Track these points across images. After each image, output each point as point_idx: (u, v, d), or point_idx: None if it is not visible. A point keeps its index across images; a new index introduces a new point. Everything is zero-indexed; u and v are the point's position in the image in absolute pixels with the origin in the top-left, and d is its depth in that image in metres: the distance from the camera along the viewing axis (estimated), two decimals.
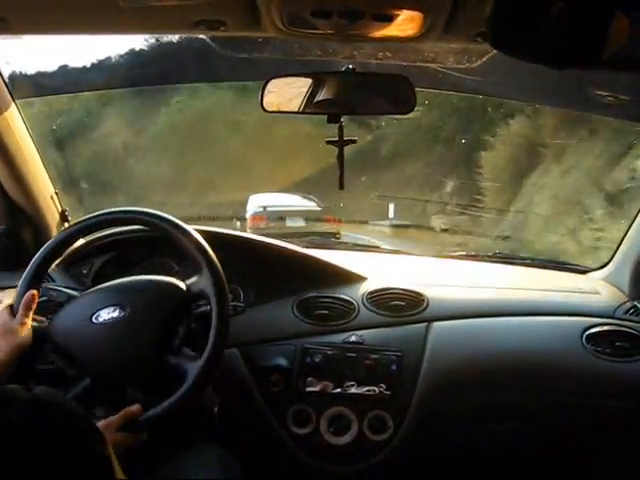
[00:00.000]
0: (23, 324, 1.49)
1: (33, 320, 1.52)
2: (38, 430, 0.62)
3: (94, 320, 1.50)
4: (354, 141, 1.72)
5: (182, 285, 1.55)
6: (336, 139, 1.71)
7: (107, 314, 1.50)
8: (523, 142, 7.98)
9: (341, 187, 1.78)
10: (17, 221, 2.07)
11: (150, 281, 1.60)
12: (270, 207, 9.72)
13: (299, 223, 9.14)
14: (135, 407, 1.44)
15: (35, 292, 1.54)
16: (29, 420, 0.62)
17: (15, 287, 1.59)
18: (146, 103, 10.45)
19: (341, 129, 1.69)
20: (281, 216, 9.21)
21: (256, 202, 10.18)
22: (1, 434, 0.60)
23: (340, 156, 1.73)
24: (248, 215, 9.14)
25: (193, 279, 1.55)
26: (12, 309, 1.53)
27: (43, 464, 0.60)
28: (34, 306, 1.54)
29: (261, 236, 2.20)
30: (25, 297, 1.53)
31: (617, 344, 2.00)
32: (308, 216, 9.50)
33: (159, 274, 1.81)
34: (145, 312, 1.52)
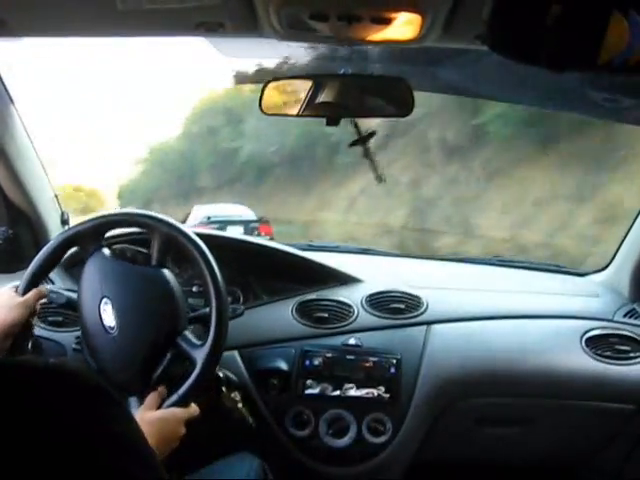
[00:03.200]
0: (24, 300, 1.52)
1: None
2: (50, 402, 0.60)
3: (108, 330, 1.50)
4: (374, 133, 1.73)
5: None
6: (357, 139, 1.72)
7: (110, 315, 1.50)
8: None
9: (380, 180, 1.81)
10: (17, 223, 2.07)
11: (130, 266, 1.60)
12: (213, 217, 10.91)
13: (239, 231, 10.15)
14: (160, 389, 1.45)
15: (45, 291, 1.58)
16: (41, 391, 0.61)
17: None
18: None
19: (357, 127, 1.71)
20: (222, 226, 9.94)
21: (200, 213, 11.59)
22: (10, 407, 0.58)
23: (367, 152, 1.75)
24: (194, 224, 10.17)
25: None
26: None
27: (55, 439, 0.59)
28: (40, 300, 1.57)
29: (261, 240, 2.20)
30: (39, 290, 1.56)
31: (616, 347, 2.00)
32: (246, 225, 10.40)
33: None
34: (130, 298, 1.53)
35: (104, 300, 1.51)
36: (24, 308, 1.52)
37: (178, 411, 1.42)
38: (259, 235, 10.73)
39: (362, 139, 1.73)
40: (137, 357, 1.49)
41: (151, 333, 1.50)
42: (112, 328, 1.49)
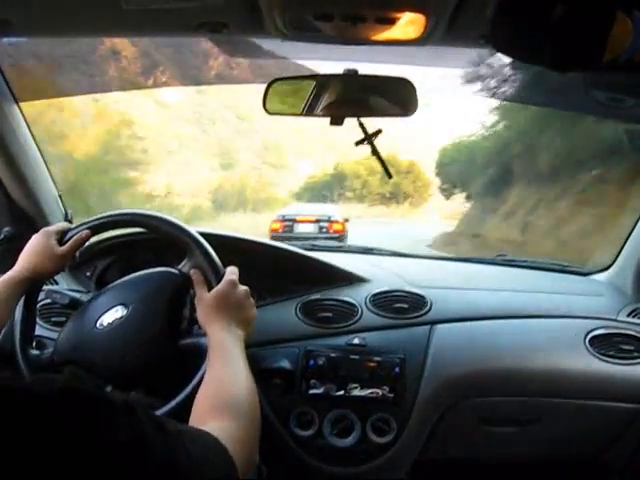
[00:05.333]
0: (64, 254, 1.54)
1: None
2: (59, 421, 0.61)
3: (98, 327, 1.49)
4: (380, 131, 1.73)
5: (175, 270, 1.56)
6: (363, 138, 1.72)
7: (110, 317, 1.50)
8: None
9: (390, 176, 1.82)
10: (20, 223, 2.07)
11: (144, 274, 1.60)
12: (287, 215, 11.42)
13: (309, 229, 10.67)
14: (193, 272, 1.49)
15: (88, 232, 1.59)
16: (51, 411, 0.61)
17: None
18: None
19: (362, 126, 1.71)
20: (291, 223, 10.12)
21: (282, 212, 12.20)
22: (22, 428, 0.59)
23: (375, 150, 1.75)
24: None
25: (183, 262, 1.56)
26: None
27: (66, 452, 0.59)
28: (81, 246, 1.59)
29: (265, 239, 2.20)
30: (79, 236, 1.56)
31: (621, 346, 2.00)
32: (315, 223, 10.58)
33: None
34: (145, 304, 1.51)
35: (121, 307, 1.51)
36: (63, 259, 1.54)
37: (223, 283, 1.43)
38: (327, 233, 11.21)
39: (368, 137, 1.73)
40: (140, 352, 1.49)
41: (155, 329, 1.49)
42: (110, 324, 1.49)
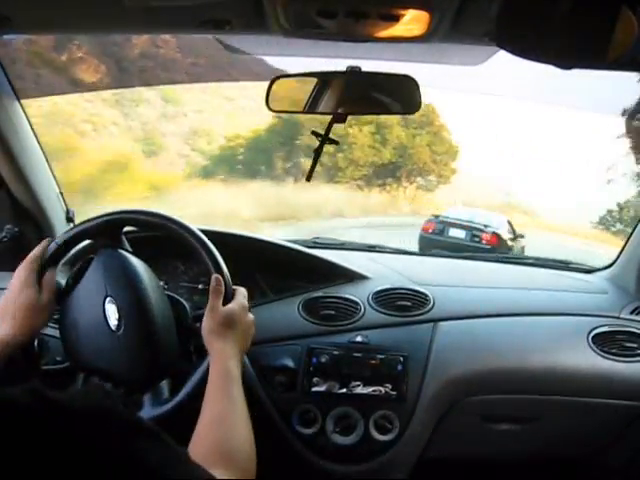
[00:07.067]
0: (48, 304, 1.50)
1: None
2: (87, 441, 0.61)
3: (113, 329, 1.48)
4: (337, 142, 1.74)
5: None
6: (322, 132, 1.72)
7: (112, 316, 1.49)
8: None
9: (308, 179, 1.84)
10: (22, 221, 2.07)
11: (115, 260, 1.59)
12: (442, 217, 11.18)
13: (460, 235, 10.43)
14: (215, 277, 1.46)
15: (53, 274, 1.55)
16: (78, 431, 0.61)
17: None
18: None
19: (330, 126, 1.71)
20: (443, 226, 10.52)
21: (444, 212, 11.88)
22: (48, 446, 0.58)
23: (319, 150, 1.76)
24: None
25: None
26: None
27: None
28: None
29: (267, 237, 2.19)
30: (49, 279, 1.53)
31: (623, 344, 2.00)
32: (468, 230, 10.40)
33: (165, 274, 1.81)
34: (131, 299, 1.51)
35: (108, 299, 1.49)
36: (50, 310, 1.51)
37: (236, 304, 1.44)
38: (479, 242, 10.87)
39: (325, 138, 1.73)
40: (145, 355, 1.48)
41: (158, 329, 1.49)
42: (117, 327, 1.48)
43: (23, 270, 1.50)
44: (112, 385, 1.52)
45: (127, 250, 1.59)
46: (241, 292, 1.49)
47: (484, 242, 10.70)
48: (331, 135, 1.73)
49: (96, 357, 1.51)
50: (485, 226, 11.01)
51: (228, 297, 1.46)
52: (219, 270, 1.49)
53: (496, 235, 10.92)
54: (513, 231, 12.09)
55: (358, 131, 20.59)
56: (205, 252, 1.51)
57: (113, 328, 1.47)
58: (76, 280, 1.57)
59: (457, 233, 10.62)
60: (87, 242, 1.62)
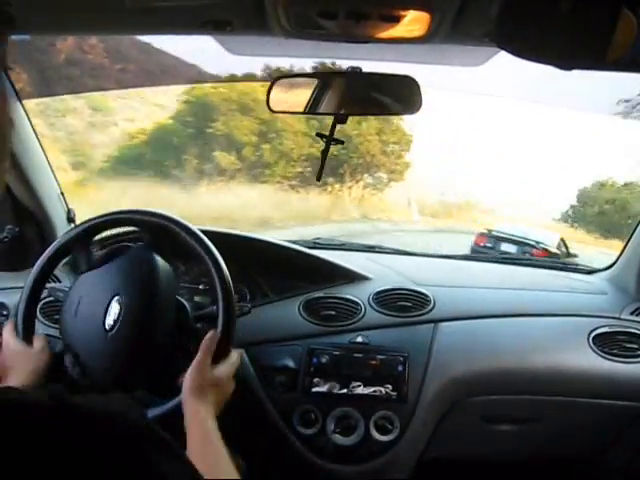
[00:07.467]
0: (39, 349, 1.51)
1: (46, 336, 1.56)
2: (100, 446, 0.61)
3: (107, 328, 1.48)
4: (342, 142, 1.74)
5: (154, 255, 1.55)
6: (326, 134, 1.72)
7: (112, 316, 1.48)
8: None
9: (318, 179, 1.83)
10: (23, 221, 2.07)
11: (126, 258, 1.58)
12: (495, 232, 11.31)
13: (511, 250, 10.35)
14: (210, 334, 1.42)
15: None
16: (92, 436, 0.61)
17: (21, 288, 1.59)
18: None
19: (334, 127, 1.71)
20: (495, 241, 10.67)
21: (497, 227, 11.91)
22: (61, 451, 0.59)
23: (325, 151, 1.76)
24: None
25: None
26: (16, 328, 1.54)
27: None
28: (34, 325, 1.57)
29: (268, 237, 2.19)
30: (22, 323, 1.54)
31: (624, 345, 2.00)
32: (519, 245, 10.59)
33: None
34: (137, 295, 1.50)
35: (116, 298, 1.49)
36: (44, 356, 1.51)
37: (225, 368, 1.41)
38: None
39: (330, 138, 1.73)
40: (141, 355, 1.48)
41: (155, 330, 1.49)
42: (111, 328, 1.47)
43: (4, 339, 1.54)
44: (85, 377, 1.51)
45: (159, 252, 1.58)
46: (235, 357, 1.46)
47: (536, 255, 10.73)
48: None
49: (83, 348, 1.51)
50: (537, 242, 11.06)
51: (229, 302, 1.46)
52: (220, 270, 1.49)
53: (547, 252, 10.94)
54: (566, 248, 12.10)
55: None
56: (206, 254, 1.51)
57: (107, 327, 1.47)
58: (92, 266, 1.58)
59: (508, 248, 10.65)
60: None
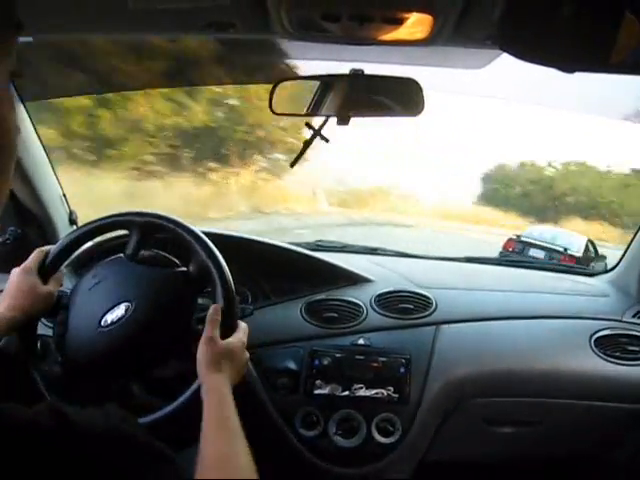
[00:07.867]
0: (49, 295, 1.49)
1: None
2: (107, 464, 0.61)
3: (103, 324, 1.47)
4: (327, 140, 1.75)
5: (179, 270, 1.54)
6: (316, 127, 1.74)
7: (114, 315, 1.48)
8: None
9: (292, 165, 1.91)
10: (25, 223, 2.07)
11: (148, 270, 1.57)
12: (523, 237, 11.28)
13: (539, 255, 10.47)
14: (212, 307, 1.41)
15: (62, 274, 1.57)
16: (99, 453, 0.62)
17: None
18: None
19: (324, 122, 1.72)
20: (526, 246, 10.69)
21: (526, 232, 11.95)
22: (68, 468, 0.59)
23: (308, 143, 1.80)
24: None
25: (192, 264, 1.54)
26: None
27: None
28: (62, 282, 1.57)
29: (271, 239, 2.19)
30: (59, 275, 1.55)
31: (626, 347, 2.00)
32: (547, 251, 10.59)
33: None
34: (151, 301, 1.48)
35: (124, 304, 1.48)
36: (50, 299, 1.50)
37: (236, 339, 1.39)
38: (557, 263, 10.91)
39: (317, 132, 1.75)
40: (146, 350, 1.47)
41: (159, 330, 1.48)
42: (106, 325, 1.45)
43: (27, 263, 1.52)
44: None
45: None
46: (243, 328, 1.45)
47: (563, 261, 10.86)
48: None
49: (88, 351, 1.49)
50: (565, 249, 11.15)
51: (228, 322, 1.43)
52: (220, 271, 1.48)
53: (575, 258, 11.04)
54: (595, 250, 12.17)
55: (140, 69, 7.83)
56: (205, 253, 1.51)
57: (102, 324, 1.46)
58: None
59: (537, 253, 10.74)
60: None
